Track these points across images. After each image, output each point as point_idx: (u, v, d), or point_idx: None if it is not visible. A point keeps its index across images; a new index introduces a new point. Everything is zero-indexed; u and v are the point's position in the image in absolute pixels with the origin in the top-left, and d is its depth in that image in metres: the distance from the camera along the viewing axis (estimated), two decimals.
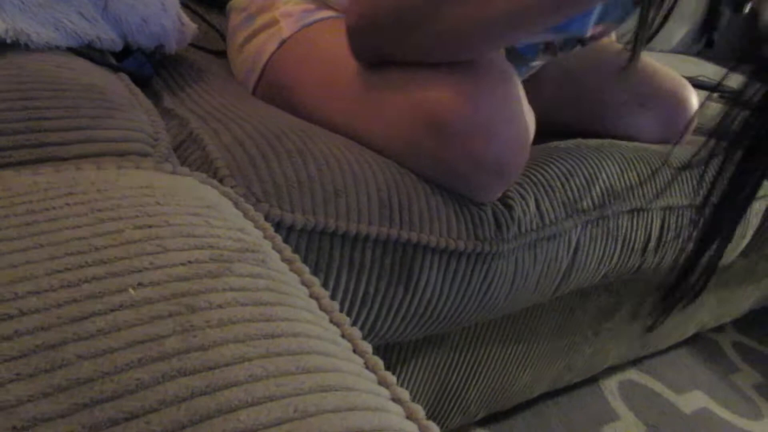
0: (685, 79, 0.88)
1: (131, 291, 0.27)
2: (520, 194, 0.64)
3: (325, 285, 0.52)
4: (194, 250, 0.31)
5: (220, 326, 0.27)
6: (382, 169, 0.55)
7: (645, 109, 0.85)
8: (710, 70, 1.54)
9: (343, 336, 0.32)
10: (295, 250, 0.50)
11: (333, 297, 0.53)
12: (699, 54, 1.79)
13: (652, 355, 1.23)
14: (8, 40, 0.44)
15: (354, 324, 0.56)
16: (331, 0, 0.72)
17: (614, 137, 0.86)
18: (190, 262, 0.30)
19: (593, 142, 0.77)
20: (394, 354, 0.73)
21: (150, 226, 0.31)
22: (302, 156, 0.52)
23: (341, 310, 0.54)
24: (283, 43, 0.70)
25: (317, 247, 0.51)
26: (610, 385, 1.14)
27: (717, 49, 1.77)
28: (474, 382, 0.84)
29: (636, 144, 0.82)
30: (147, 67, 0.62)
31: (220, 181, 0.49)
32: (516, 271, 0.64)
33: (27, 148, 0.38)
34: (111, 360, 0.24)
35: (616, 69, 0.89)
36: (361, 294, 0.55)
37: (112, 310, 0.26)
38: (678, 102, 0.85)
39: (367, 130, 0.59)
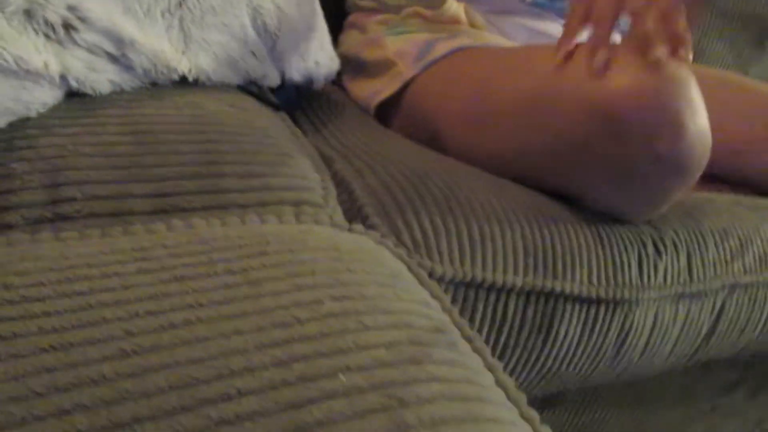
0: None
1: (341, 377, 0.26)
2: (674, 244, 0.61)
3: None
4: (392, 330, 0.29)
5: (433, 426, 0.25)
6: (525, 214, 0.53)
7: None
8: None
9: None
10: None
11: None
12: None
13: None
14: (190, 78, 0.45)
15: None
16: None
17: (754, 175, 0.81)
18: (390, 344, 0.28)
19: (749, 201, 0.73)
20: None
21: (347, 298, 0.30)
22: (448, 202, 0.51)
23: None
24: (407, 83, 0.70)
25: (462, 298, 0.50)
26: None
27: None
28: None
29: None
30: (294, 100, 0.63)
31: (371, 227, 0.48)
32: (654, 325, 0.60)
33: (210, 194, 0.38)
34: None
35: (752, 94, 0.84)
36: (501, 346, 0.53)
37: (326, 398, 0.25)
38: None
39: (531, 146, 0.57)
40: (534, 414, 0.31)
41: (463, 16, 0.73)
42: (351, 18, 0.84)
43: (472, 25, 0.76)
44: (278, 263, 0.31)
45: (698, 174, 0.53)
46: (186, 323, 0.27)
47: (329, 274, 0.31)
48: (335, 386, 0.25)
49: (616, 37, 0.71)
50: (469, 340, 0.34)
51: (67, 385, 0.23)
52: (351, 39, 0.81)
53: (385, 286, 0.32)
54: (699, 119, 0.49)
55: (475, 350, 0.33)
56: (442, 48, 0.70)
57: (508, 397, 0.31)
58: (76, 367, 0.24)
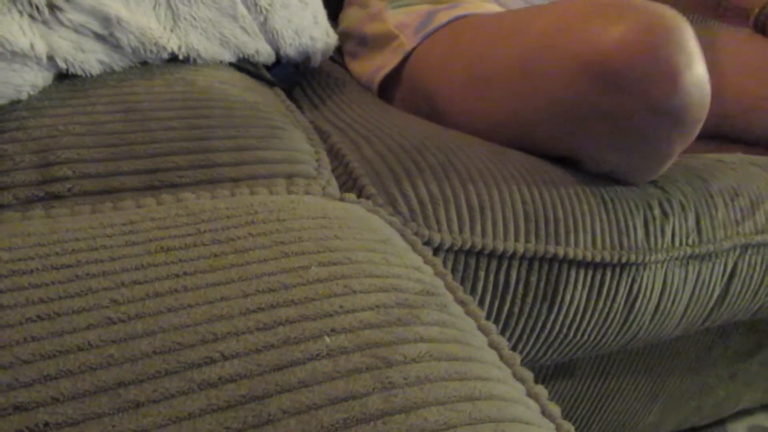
0: None
1: (326, 339, 0.26)
2: (682, 205, 0.60)
3: None
4: (380, 293, 0.29)
5: (419, 384, 0.25)
6: (526, 180, 0.53)
7: None
8: None
9: (528, 395, 0.30)
10: None
11: None
12: None
13: None
14: (180, 56, 0.44)
15: None
16: None
17: (765, 137, 0.80)
18: (377, 306, 0.28)
19: (761, 159, 0.71)
20: None
21: (334, 263, 0.30)
22: (445, 170, 0.50)
23: None
24: (408, 55, 0.69)
25: (463, 266, 0.49)
26: (738, 430, 1.05)
27: None
28: (599, 417, 0.79)
29: None
30: (292, 77, 0.62)
31: (367, 198, 0.48)
32: (664, 288, 0.60)
33: (201, 168, 0.38)
34: (317, 419, 0.23)
35: (763, 59, 0.82)
36: (504, 315, 0.53)
37: (310, 359, 0.25)
38: None
39: (527, 110, 0.56)
40: (528, 374, 0.31)
41: None
42: None
43: None
44: (266, 232, 0.31)
45: (698, 125, 0.51)
46: (171, 291, 0.27)
47: (317, 240, 0.31)
48: (320, 348, 0.25)
49: None
50: (462, 303, 0.34)
51: (52, 352, 0.23)
52: (351, 15, 0.80)
53: (375, 252, 0.32)
54: (695, 67, 0.48)
55: (469, 313, 0.33)
56: (442, 17, 0.69)
57: (501, 358, 0.31)
58: (62, 335, 0.24)
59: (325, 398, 0.23)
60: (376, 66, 0.72)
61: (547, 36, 0.54)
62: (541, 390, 0.30)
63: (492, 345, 0.32)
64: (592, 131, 0.52)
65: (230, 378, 0.23)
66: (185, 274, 0.28)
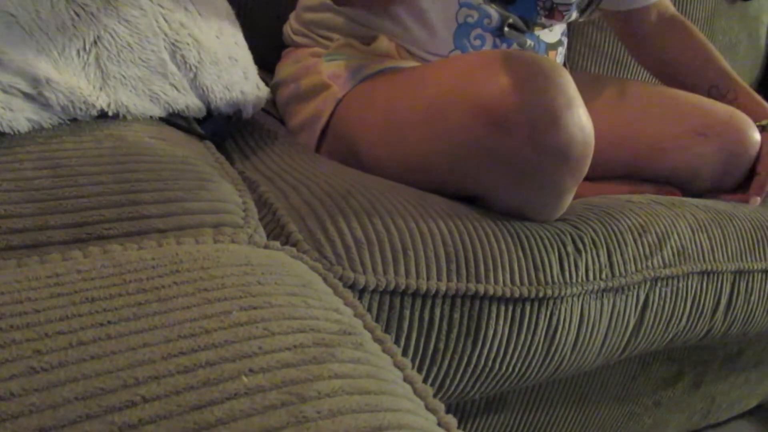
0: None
1: (244, 378, 0.27)
2: (593, 241, 0.64)
3: (395, 344, 0.53)
4: (298, 334, 0.31)
5: (331, 417, 0.27)
6: (446, 222, 0.56)
7: (706, 138, 0.86)
8: None
9: (439, 424, 0.32)
10: (367, 310, 0.51)
11: (403, 356, 0.54)
12: None
13: (712, 426, 1.18)
14: (110, 113, 0.46)
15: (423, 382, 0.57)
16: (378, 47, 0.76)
17: (676, 172, 0.87)
18: (295, 346, 0.30)
19: (665, 199, 0.78)
20: (455, 417, 0.72)
21: (254, 308, 0.32)
22: (369, 215, 0.53)
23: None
24: (339, 102, 0.73)
25: (388, 306, 0.52)
26: None
27: None
28: None
29: (707, 204, 0.81)
30: (224, 130, 0.65)
31: (294, 245, 0.50)
32: (582, 321, 0.64)
33: (129, 221, 0.39)
34: None
35: (674, 100, 0.90)
36: (430, 351, 0.55)
37: (228, 399, 0.26)
38: (739, 129, 0.86)
39: (433, 155, 0.61)
40: (440, 405, 0.33)
41: (395, 52, 0.77)
42: (287, 50, 0.87)
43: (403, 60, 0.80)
44: (189, 280, 0.33)
45: (584, 161, 0.57)
46: (95, 340, 0.28)
47: (239, 287, 0.33)
48: (238, 387, 0.27)
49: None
50: (379, 341, 0.36)
51: None
52: (286, 67, 0.83)
53: (295, 295, 0.34)
54: (574, 109, 0.54)
55: (385, 350, 0.36)
56: (371, 69, 0.73)
57: (415, 391, 0.33)
58: None
59: None
60: (310, 115, 0.76)
61: (446, 86, 0.60)
62: (451, 419, 0.32)
63: (406, 379, 0.34)
64: (490, 172, 0.57)
65: (150, 419, 0.25)
66: (109, 322, 0.29)
